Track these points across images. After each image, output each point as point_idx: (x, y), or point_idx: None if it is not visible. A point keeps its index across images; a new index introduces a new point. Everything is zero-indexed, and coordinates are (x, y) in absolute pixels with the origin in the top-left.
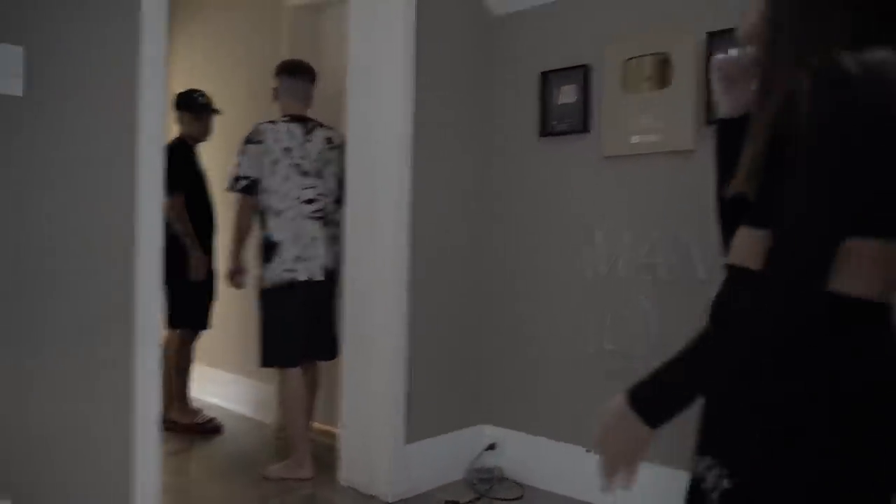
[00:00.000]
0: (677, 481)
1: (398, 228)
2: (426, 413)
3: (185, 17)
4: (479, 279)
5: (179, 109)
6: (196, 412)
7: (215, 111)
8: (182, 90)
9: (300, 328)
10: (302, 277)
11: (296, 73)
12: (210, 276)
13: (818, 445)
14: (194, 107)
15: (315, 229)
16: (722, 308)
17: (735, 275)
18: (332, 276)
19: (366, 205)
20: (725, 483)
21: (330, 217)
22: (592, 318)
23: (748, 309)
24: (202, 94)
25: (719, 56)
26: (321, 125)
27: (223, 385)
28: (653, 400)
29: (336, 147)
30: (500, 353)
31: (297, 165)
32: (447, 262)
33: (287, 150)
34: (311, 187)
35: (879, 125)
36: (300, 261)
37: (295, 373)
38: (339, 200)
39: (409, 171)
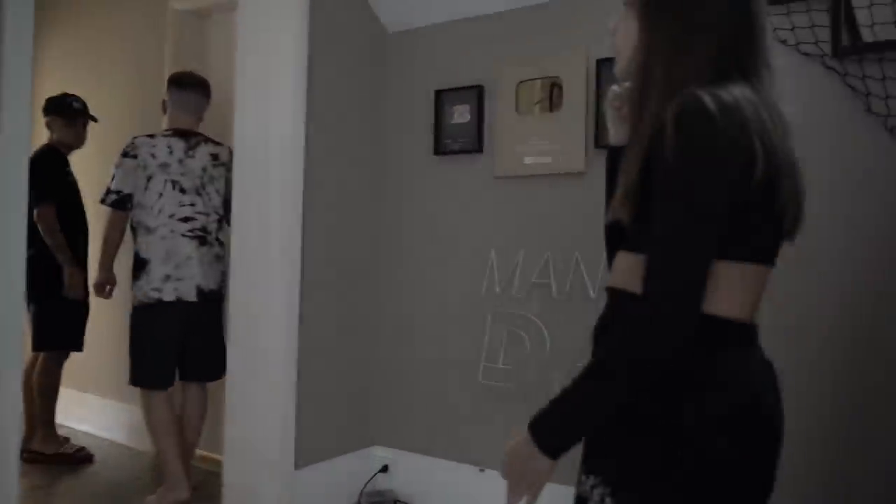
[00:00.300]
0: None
1: (288, 247)
2: (316, 436)
3: (58, 15)
4: (371, 298)
5: (50, 114)
6: (63, 441)
7: (91, 118)
8: (54, 94)
9: (170, 348)
10: (168, 298)
11: (185, 85)
12: (85, 292)
13: (691, 465)
14: (67, 112)
15: (191, 248)
16: (604, 330)
17: (615, 298)
18: (211, 297)
19: (254, 222)
20: (608, 501)
21: (212, 236)
22: (486, 337)
23: (627, 335)
24: (77, 99)
25: (614, 87)
26: (207, 140)
27: (94, 410)
28: (550, 432)
29: (222, 164)
30: (392, 373)
31: (175, 182)
32: (339, 281)
33: (164, 165)
34: (190, 205)
35: (732, 156)
36: (169, 280)
37: (160, 395)
38: (224, 219)
39: (300, 188)
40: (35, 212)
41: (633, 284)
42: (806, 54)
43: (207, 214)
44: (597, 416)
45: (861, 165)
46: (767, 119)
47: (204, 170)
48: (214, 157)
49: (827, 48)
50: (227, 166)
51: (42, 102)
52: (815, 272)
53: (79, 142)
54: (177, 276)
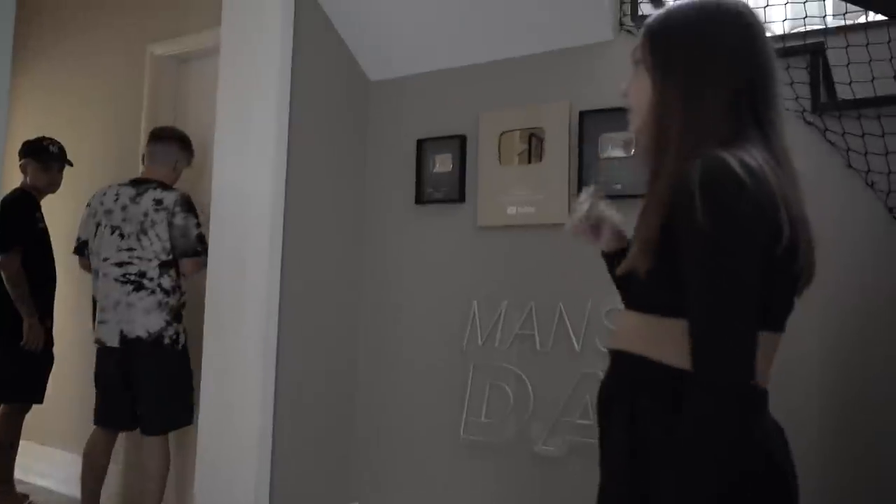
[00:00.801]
0: None
1: (265, 298)
2: (292, 494)
3: (37, 57)
4: (350, 349)
5: (26, 157)
6: (21, 498)
7: (67, 163)
8: (31, 138)
9: (111, 390)
10: (96, 341)
11: (157, 138)
12: (47, 343)
13: None
14: (43, 156)
15: (120, 293)
16: (610, 400)
17: (622, 361)
18: (137, 344)
19: (230, 270)
20: None
21: (153, 283)
22: (468, 390)
23: (703, 432)
24: (54, 143)
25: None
26: (158, 187)
27: (56, 465)
28: None
29: (164, 209)
30: (372, 429)
31: (115, 227)
32: (317, 330)
33: (108, 212)
34: (128, 249)
35: (763, 224)
36: (101, 324)
37: (96, 431)
38: (167, 264)
39: (279, 237)
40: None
41: (646, 348)
42: (786, 109)
43: (149, 260)
44: None
45: (842, 220)
46: (786, 182)
47: (146, 215)
48: (158, 202)
49: (807, 104)
50: (171, 210)
51: (18, 145)
52: (797, 335)
53: (52, 187)
54: (102, 319)
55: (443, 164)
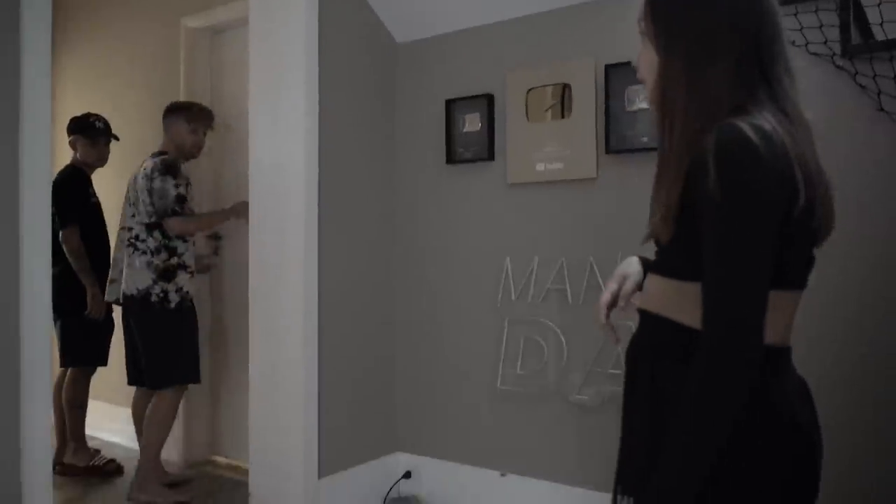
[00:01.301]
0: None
1: (306, 259)
2: (339, 444)
3: (77, 35)
4: (388, 307)
5: (74, 134)
6: (93, 453)
7: (113, 137)
8: (77, 114)
9: (126, 350)
10: (109, 299)
11: (166, 112)
12: (108, 310)
13: (745, 482)
14: (90, 132)
15: (124, 255)
16: (639, 353)
17: (649, 321)
18: (130, 301)
19: (271, 235)
20: None
21: (144, 244)
22: (503, 344)
23: (702, 388)
24: (99, 119)
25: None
26: (155, 156)
27: (123, 422)
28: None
29: (147, 176)
30: (412, 380)
31: (127, 196)
32: (356, 290)
33: (130, 184)
34: (131, 216)
35: (778, 188)
36: (110, 283)
37: (135, 390)
38: (151, 226)
39: (315, 201)
40: (60, 234)
41: (668, 309)
42: (815, 54)
43: (140, 223)
44: (702, 472)
45: (874, 163)
46: (800, 138)
47: (138, 182)
48: (145, 169)
49: (836, 48)
50: (150, 176)
51: (65, 123)
52: (832, 269)
53: (101, 161)
54: (112, 278)
55: (471, 123)
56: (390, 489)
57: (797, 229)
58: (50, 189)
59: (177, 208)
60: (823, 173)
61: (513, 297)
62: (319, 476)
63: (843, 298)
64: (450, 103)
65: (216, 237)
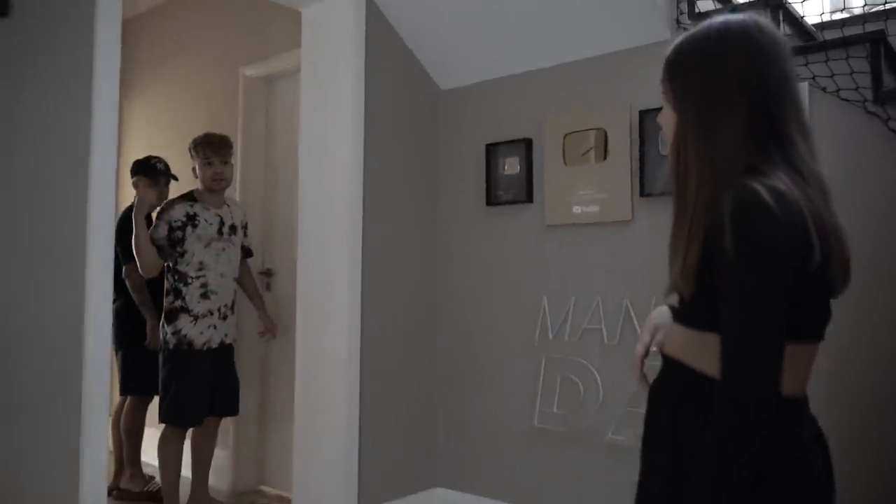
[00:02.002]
0: None
1: (350, 296)
2: (379, 477)
3: (141, 84)
4: (429, 344)
5: (136, 175)
6: (148, 479)
7: (172, 177)
8: (140, 157)
9: None
10: None
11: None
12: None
13: None
14: (151, 172)
15: None
16: (659, 392)
17: (670, 366)
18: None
19: (317, 275)
20: None
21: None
22: (540, 382)
23: (720, 447)
24: (160, 160)
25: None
26: None
27: None
28: None
29: None
30: (452, 417)
31: None
32: (398, 328)
33: None
34: None
35: (792, 249)
36: None
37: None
38: (166, 268)
39: (359, 240)
40: (123, 269)
41: (688, 357)
42: (846, 100)
43: None
44: None
45: None
46: (814, 196)
47: None
48: None
49: (868, 94)
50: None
51: (129, 165)
52: (861, 325)
53: (161, 200)
54: None
55: (511, 166)
56: None
57: (813, 284)
58: (114, 227)
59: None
60: (840, 229)
61: (550, 336)
62: None
63: (871, 352)
64: (490, 147)
65: (267, 273)
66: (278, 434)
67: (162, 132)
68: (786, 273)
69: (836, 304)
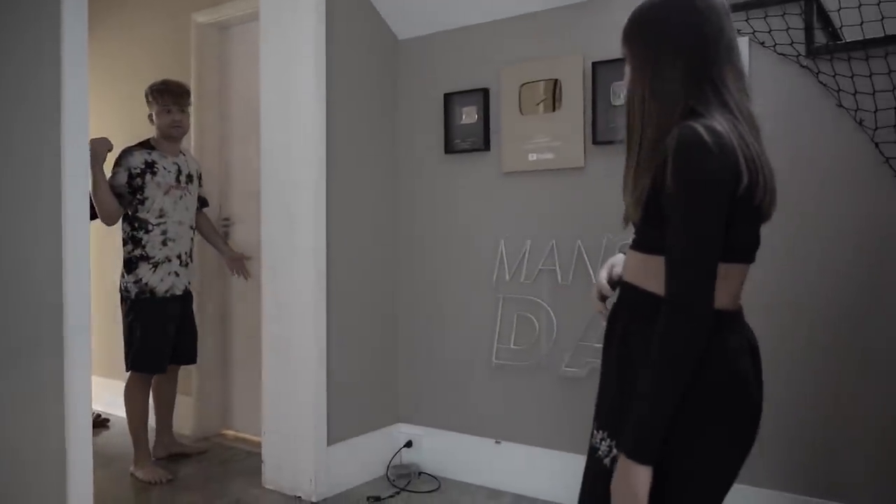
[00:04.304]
0: (575, 465)
1: (315, 242)
2: (345, 415)
3: (92, 29)
4: (391, 288)
5: None
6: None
7: None
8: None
9: None
10: None
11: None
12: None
13: (692, 423)
14: None
15: None
16: (614, 312)
17: (624, 288)
18: (118, 291)
19: (281, 220)
20: (615, 451)
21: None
22: (498, 321)
23: (664, 340)
24: None
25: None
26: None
27: None
28: (641, 444)
29: None
30: (414, 356)
31: None
32: (362, 271)
33: None
34: None
35: (724, 178)
36: None
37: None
38: (123, 217)
39: (323, 187)
40: None
41: (639, 279)
42: (782, 55)
43: None
44: (666, 411)
45: (833, 155)
46: (743, 130)
47: None
48: None
49: (801, 49)
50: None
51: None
52: (792, 256)
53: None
54: None
55: (469, 115)
56: (393, 457)
57: (742, 208)
58: (86, 174)
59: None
60: (767, 161)
61: (507, 278)
62: (328, 444)
63: (795, 279)
64: (448, 97)
65: (225, 219)
66: (240, 379)
67: (111, 85)
68: (720, 201)
69: (765, 238)
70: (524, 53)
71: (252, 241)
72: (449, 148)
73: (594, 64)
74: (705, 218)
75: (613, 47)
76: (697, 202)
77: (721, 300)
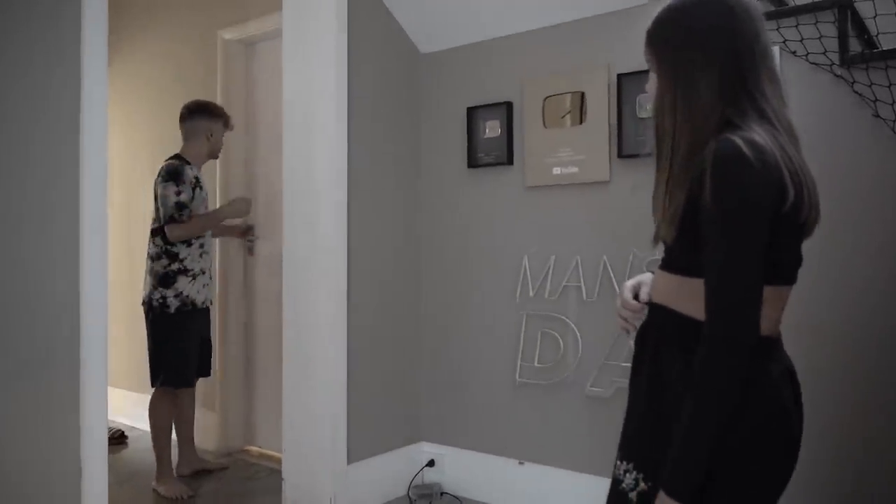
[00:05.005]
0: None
1: (336, 258)
2: (366, 433)
3: (120, 50)
4: (413, 303)
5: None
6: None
7: None
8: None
9: None
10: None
11: (183, 116)
12: None
13: (729, 458)
14: None
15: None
16: (644, 339)
17: (653, 310)
18: (148, 307)
19: (302, 234)
20: (642, 485)
21: (150, 251)
22: (521, 338)
23: (706, 372)
24: None
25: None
26: (168, 160)
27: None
28: (679, 481)
29: (155, 181)
30: (436, 373)
31: None
32: (383, 287)
33: None
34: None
35: (768, 194)
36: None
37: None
38: (154, 231)
39: (344, 202)
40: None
41: (671, 301)
42: (815, 64)
43: (151, 230)
44: (708, 445)
45: (869, 166)
46: (784, 142)
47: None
48: (157, 175)
49: (835, 58)
50: (156, 181)
51: (116, 130)
52: (828, 271)
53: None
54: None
55: (492, 129)
56: (414, 476)
57: (786, 227)
58: (106, 189)
59: (175, 215)
60: (808, 172)
61: (531, 294)
62: (348, 462)
63: (840, 295)
64: (471, 110)
65: (250, 236)
66: (263, 394)
67: (140, 101)
68: (764, 219)
69: (806, 252)
70: (548, 66)
71: (276, 255)
72: (472, 162)
73: (619, 76)
74: (748, 238)
75: (639, 58)
76: (739, 221)
77: (763, 326)
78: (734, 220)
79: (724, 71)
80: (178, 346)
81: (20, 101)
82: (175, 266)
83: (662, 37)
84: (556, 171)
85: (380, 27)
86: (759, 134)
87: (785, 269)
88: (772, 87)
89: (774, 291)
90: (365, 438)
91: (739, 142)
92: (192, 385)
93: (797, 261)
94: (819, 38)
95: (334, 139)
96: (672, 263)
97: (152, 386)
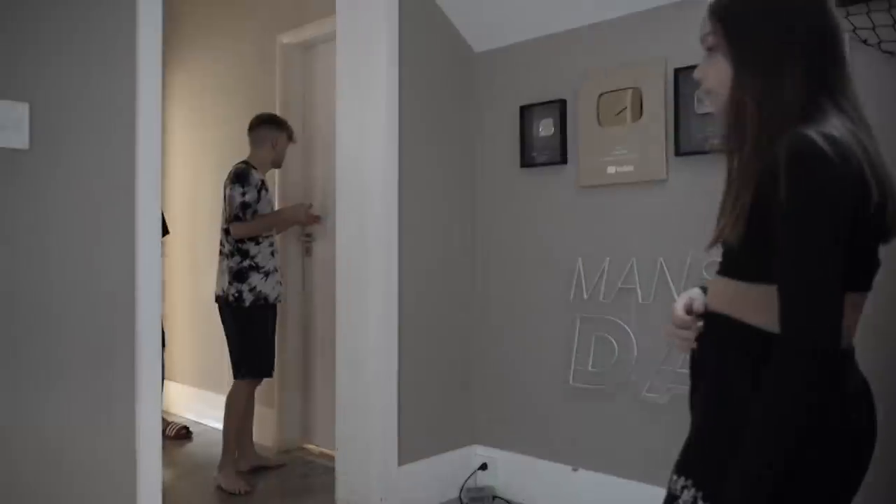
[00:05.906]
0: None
1: (388, 259)
2: (418, 435)
3: (181, 55)
4: (466, 303)
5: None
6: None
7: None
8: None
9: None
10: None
11: (251, 127)
12: None
13: (796, 479)
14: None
15: (217, 259)
16: (702, 345)
17: (711, 318)
18: (221, 301)
19: (355, 234)
20: (700, 503)
21: (225, 248)
22: (575, 341)
23: (782, 386)
24: None
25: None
26: (237, 164)
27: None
28: (746, 501)
29: (224, 184)
30: (489, 375)
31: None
32: (436, 287)
33: None
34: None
35: (850, 194)
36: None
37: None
38: (226, 231)
39: (396, 202)
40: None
41: (732, 308)
42: (888, 52)
43: (221, 229)
44: (779, 466)
45: None
46: (865, 139)
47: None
48: (226, 178)
49: (891, 47)
50: (225, 184)
51: (177, 133)
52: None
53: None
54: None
55: (545, 128)
56: (466, 479)
57: (864, 227)
58: (159, 191)
59: (239, 214)
60: (890, 173)
61: (584, 297)
62: (399, 463)
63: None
64: (524, 109)
65: (307, 236)
66: (321, 393)
67: (203, 103)
68: (843, 220)
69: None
70: (602, 62)
71: (332, 255)
72: (525, 161)
73: (677, 70)
74: (828, 239)
75: (696, 52)
76: (818, 221)
77: (846, 335)
78: (812, 223)
79: (811, 57)
80: (256, 339)
81: (77, 101)
82: (247, 263)
83: (742, 20)
84: (611, 170)
85: (433, 26)
86: (836, 127)
87: (861, 274)
88: (848, 80)
89: (850, 297)
90: (417, 440)
91: (814, 135)
92: (270, 376)
93: (875, 265)
94: (892, 25)
95: (387, 140)
96: (735, 268)
97: (234, 378)
